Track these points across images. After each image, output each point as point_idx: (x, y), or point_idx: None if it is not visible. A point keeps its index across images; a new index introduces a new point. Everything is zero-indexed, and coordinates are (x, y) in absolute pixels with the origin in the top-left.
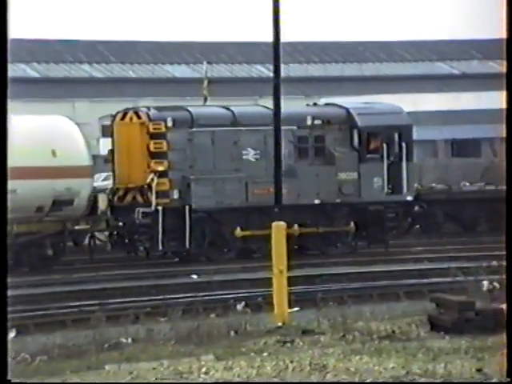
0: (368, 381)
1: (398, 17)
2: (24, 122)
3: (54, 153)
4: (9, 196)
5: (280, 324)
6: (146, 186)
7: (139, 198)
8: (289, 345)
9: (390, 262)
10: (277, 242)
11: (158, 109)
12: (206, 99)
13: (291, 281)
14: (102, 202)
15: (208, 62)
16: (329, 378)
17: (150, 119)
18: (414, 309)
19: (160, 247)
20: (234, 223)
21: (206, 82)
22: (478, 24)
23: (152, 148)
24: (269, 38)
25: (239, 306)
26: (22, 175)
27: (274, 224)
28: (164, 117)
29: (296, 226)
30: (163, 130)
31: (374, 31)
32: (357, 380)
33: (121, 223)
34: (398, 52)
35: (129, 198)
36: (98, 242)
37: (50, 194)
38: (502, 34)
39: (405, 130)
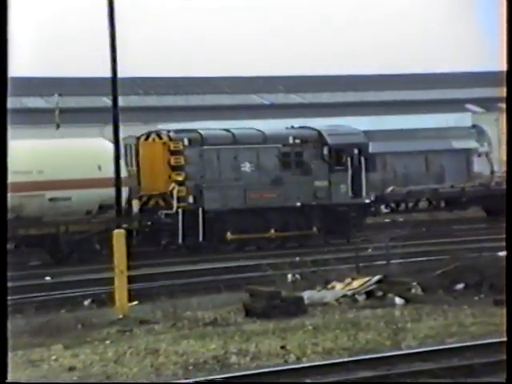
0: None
1: (220, 53)
2: (76, 144)
3: (99, 167)
4: (65, 203)
5: (121, 316)
6: (168, 193)
7: (161, 203)
8: (128, 333)
9: (214, 260)
10: (117, 246)
11: (176, 131)
12: (58, 126)
13: (131, 279)
14: (135, 206)
15: (59, 95)
16: (161, 360)
17: (170, 139)
18: (233, 299)
19: (180, 241)
20: (235, 221)
21: (57, 112)
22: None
23: (173, 162)
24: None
25: (86, 302)
26: (76, 186)
27: (115, 231)
28: (181, 137)
29: (272, 231)
30: (181, 147)
31: (200, 67)
32: (184, 360)
33: (149, 222)
34: (221, 86)
35: (152, 202)
36: None
37: (97, 200)
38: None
39: (363, 146)
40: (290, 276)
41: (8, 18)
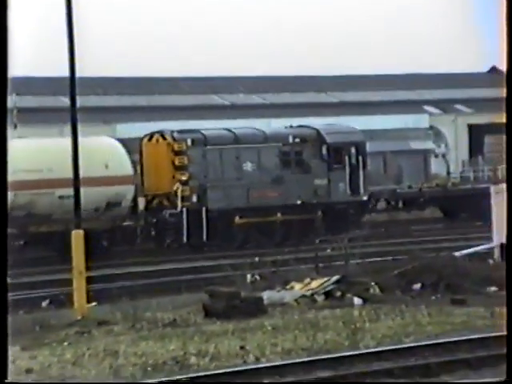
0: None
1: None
2: (84, 142)
3: (106, 166)
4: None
5: (79, 317)
6: (172, 193)
7: (165, 202)
8: (86, 335)
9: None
10: (76, 248)
11: (179, 132)
12: (15, 126)
13: (91, 280)
14: (141, 204)
15: (17, 94)
16: (120, 361)
17: (174, 140)
18: (193, 300)
19: (185, 239)
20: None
21: (15, 112)
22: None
23: (177, 162)
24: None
25: (44, 304)
26: (84, 184)
27: (73, 232)
28: (185, 138)
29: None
30: (185, 148)
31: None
32: (143, 361)
33: (154, 220)
34: (182, 86)
35: (156, 201)
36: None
37: (104, 198)
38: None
39: (361, 145)
40: (249, 276)
41: (8, 18)
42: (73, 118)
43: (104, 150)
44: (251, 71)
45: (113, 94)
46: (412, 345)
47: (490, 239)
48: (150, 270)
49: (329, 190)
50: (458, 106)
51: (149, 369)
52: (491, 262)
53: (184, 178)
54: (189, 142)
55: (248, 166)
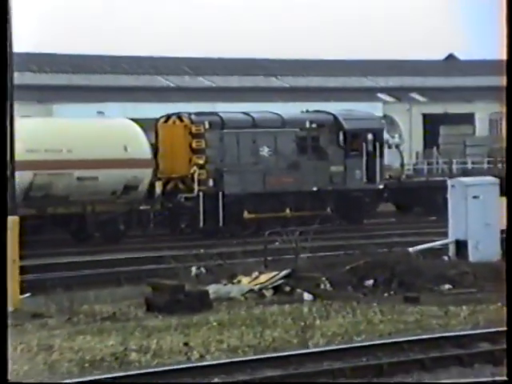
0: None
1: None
2: (103, 124)
3: (125, 148)
4: (92, 182)
5: (11, 309)
6: (189, 176)
7: (180, 186)
8: (19, 328)
9: (121, 250)
10: (11, 235)
11: (197, 114)
12: None
13: (24, 269)
14: (158, 188)
15: None
16: (54, 356)
17: (192, 122)
18: (134, 293)
19: (201, 224)
20: (254, 206)
21: None
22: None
23: (194, 145)
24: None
25: None
26: (103, 165)
27: (9, 218)
28: (202, 120)
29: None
30: (202, 131)
31: (104, 46)
32: (79, 357)
33: (170, 205)
34: (123, 65)
35: (171, 185)
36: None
37: (122, 180)
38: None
39: (378, 132)
40: (194, 269)
41: (8, 18)
42: (10, 95)
43: (123, 131)
44: (197, 52)
45: (49, 72)
46: (364, 344)
47: (445, 235)
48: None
49: (345, 177)
50: (413, 95)
51: (86, 365)
52: (446, 258)
53: (201, 161)
54: (206, 124)
55: (265, 151)
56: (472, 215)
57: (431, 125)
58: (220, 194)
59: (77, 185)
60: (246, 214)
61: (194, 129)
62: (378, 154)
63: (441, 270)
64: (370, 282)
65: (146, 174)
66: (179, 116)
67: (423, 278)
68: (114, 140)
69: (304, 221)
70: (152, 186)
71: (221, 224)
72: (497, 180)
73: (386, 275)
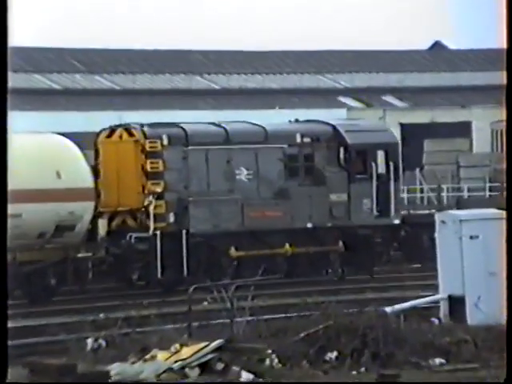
0: None
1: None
2: (27, 141)
3: (58, 174)
4: (13, 221)
5: None
6: (142, 209)
7: (130, 222)
8: None
9: None
10: None
11: (151, 125)
12: None
13: None
14: (102, 228)
15: None
16: None
17: (145, 137)
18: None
19: (159, 275)
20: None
21: None
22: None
23: (149, 167)
24: None
25: None
26: (27, 198)
27: None
28: (159, 134)
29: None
30: (159, 148)
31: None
32: None
33: (118, 250)
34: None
35: (117, 221)
36: None
37: (54, 218)
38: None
39: (392, 148)
40: (90, 341)
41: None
42: None
43: (54, 151)
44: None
45: None
46: None
47: (434, 289)
48: None
49: (348, 209)
50: (388, 98)
51: None
52: (436, 321)
53: (159, 189)
54: (165, 139)
55: (242, 175)
56: (470, 262)
57: (413, 138)
58: (184, 232)
59: None
60: (232, 252)
61: (148, 145)
62: (392, 176)
63: (429, 338)
64: (333, 354)
65: (85, 209)
66: (127, 128)
67: (405, 349)
68: (43, 163)
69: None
70: (93, 224)
71: (185, 274)
72: (503, 213)
73: (354, 345)
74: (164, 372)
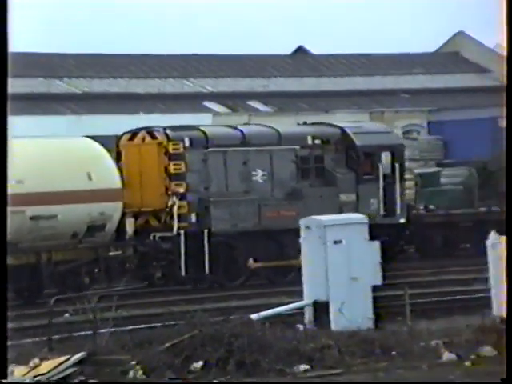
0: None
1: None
2: (59, 145)
3: (89, 176)
4: (49, 222)
5: None
6: (167, 209)
7: (153, 223)
8: None
9: None
10: None
11: (173, 128)
12: None
13: None
14: (130, 227)
15: None
16: None
17: (168, 139)
18: None
19: (183, 273)
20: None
21: None
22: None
23: (172, 169)
24: None
25: None
26: (60, 200)
27: None
28: (181, 136)
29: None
30: (181, 150)
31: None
32: None
33: (145, 248)
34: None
35: (140, 221)
36: None
37: (85, 219)
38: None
39: (398, 150)
40: None
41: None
42: None
43: (85, 154)
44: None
45: None
46: None
47: (299, 295)
48: None
49: (357, 209)
50: (253, 103)
51: None
52: (301, 327)
53: (182, 189)
54: (187, 142)
55: (258, 176)
56: (334, 267)
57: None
58: (206, 232)
59: (30, 226)
60: (250, 263)
61: (171, 148)
62: (397, 177)
63: (294, 345)
64: (199, 364)
65: (115, 209)
66: (150, 131)
67: (271, 356)
68: (75, 166)
69: None
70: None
71: (207, 272)
72: (365, 218)
73: (220, 354)
74: None
